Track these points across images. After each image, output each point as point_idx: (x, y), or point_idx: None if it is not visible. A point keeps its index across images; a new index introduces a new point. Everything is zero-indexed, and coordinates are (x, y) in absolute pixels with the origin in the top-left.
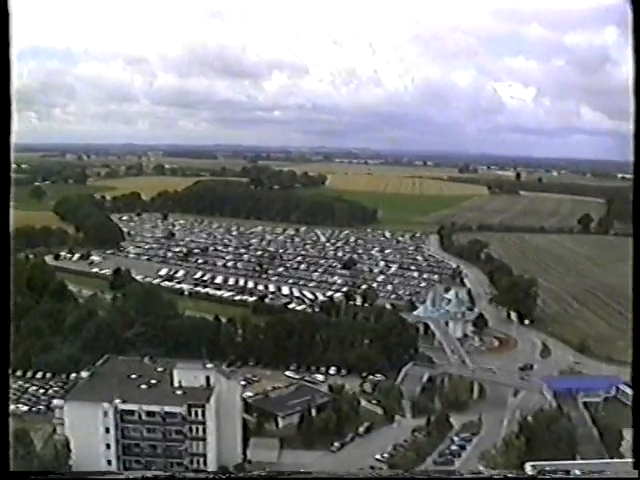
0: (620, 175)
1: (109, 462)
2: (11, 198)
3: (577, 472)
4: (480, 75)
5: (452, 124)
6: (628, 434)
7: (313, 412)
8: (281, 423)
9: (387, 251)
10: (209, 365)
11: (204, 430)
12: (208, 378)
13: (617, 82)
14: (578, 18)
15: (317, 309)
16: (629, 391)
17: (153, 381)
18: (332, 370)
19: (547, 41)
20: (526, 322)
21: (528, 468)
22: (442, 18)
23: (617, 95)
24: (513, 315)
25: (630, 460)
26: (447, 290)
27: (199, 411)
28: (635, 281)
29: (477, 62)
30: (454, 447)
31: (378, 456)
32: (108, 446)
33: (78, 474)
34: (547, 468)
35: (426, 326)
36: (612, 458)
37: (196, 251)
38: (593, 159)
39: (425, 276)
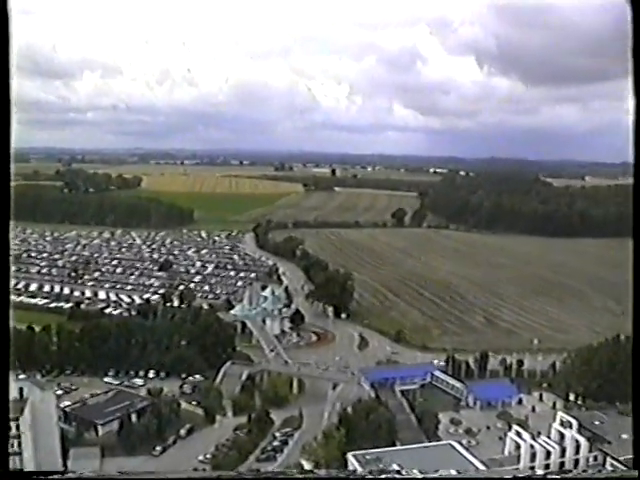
0: (432, 170)
1: None
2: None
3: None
4: (294, 74)
5: (267, 123)
6: (444, 417)
7: (133, 417)
8: (101, 431)
9: (204, 251)
10: (22, 376)
11: (19, 444)
12: (21, 390)
13: (427, 80)
14: (389, 16)
15: (134, 312)
16: (443, 377)
17: None
18: (151, 373)
19: (359, 40)
20: (343, 316)
21: (350, 458)
22: (255, 17)
23: (427, 92)
24: (330, 310)
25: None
26: (263, 288)
27: (13, 425)
28: (635, 281)
29: (291, 61)
30: (276, 443)
31: (201, 457)
32: None
33: (81, 474)
34: (368, 457)
35: (244, 324)
36: (430, 441)
37: None
38: (406, 155)
39: (242, 275)
